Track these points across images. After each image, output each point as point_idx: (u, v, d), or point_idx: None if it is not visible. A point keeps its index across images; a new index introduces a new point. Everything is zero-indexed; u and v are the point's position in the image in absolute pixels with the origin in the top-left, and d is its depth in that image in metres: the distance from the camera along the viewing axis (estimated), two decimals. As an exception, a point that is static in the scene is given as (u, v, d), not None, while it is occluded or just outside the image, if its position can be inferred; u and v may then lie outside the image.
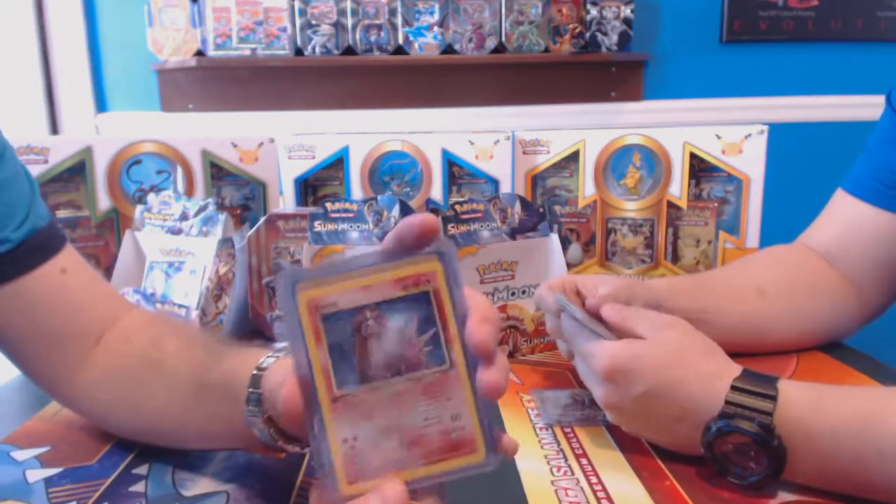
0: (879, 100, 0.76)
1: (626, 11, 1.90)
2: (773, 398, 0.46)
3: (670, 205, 0.89)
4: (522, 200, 0.78)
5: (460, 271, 0.34)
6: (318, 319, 0.33)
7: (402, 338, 0.33)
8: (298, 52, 1.87)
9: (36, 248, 0.52)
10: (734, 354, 0.53)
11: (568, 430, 0.57)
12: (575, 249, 0.93)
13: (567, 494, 0.47)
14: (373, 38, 1.87)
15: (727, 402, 0.47)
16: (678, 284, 0.71)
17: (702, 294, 0.69)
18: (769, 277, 0.72)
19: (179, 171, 0.88)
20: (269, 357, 0.45)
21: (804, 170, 1.97)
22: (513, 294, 0.76)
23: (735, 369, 0.50)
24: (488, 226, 0.75)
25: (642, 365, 0.50)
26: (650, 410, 0.50)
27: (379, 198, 0.77)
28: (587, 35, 1.92)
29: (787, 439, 0.45)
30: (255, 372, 0.44)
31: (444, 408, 0.33)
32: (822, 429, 0.46)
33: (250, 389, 0.43)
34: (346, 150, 0.91)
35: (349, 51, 1.88)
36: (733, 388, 0.48)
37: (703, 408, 0.48)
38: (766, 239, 0.87)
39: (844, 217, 0.74)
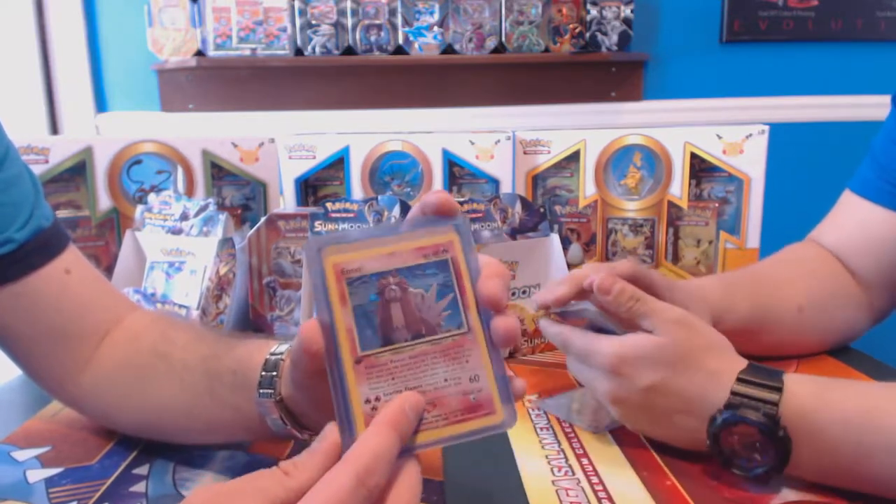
0: (879, 100, 0.76)
1: (626, 11, 1.90)
2: (779, 389, 0.47)
3: (671, 205, 0.89)
4: (523, 200, 0.78)
5: (473, 242, 0.36)
6: (344, 283, 0.34)
7: (422, 302, 0.35)
8: (298, 52, 1.86)
9: (40, 248, 0.52)
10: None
11: (568, 429, 0.57)
12: (575, 249, 0.93)
13: (568, 494, 0.47)
14: (373, 38, 1.87)
15: (733, 393, 0.48)
16: (735, 302, 0.67)
17: (756, 314, 0.67)
18: (807, 292, 0.71)
19: (180, 171, 0.88)
20: (282, 344, 0.45)
21: (804, 170, 1.97)
22: (513, 294, 0.76)
23: (741, 364, 0.50)
24: (489, 226, 0.75)
25: (646, 362, 0.50)
26: (655, 404, 0.51)
27: (379, 198, 0.77)
28: (587, 35, 1.92)
29: (791, 431, 0.46)
30: (268, 356, 0.44)
31: (463, 369, 0.35)
32: (826, 421, 0.46)
33: (263, 373, 0.43)
34: (346, 150, 0.91)
35: (349, 51, 1.88)
36: (739, 379, 0.48)
37: (709, 401, 0.48)
38: (767, 239, 0.87)
39: (855, 219, 0.73)
